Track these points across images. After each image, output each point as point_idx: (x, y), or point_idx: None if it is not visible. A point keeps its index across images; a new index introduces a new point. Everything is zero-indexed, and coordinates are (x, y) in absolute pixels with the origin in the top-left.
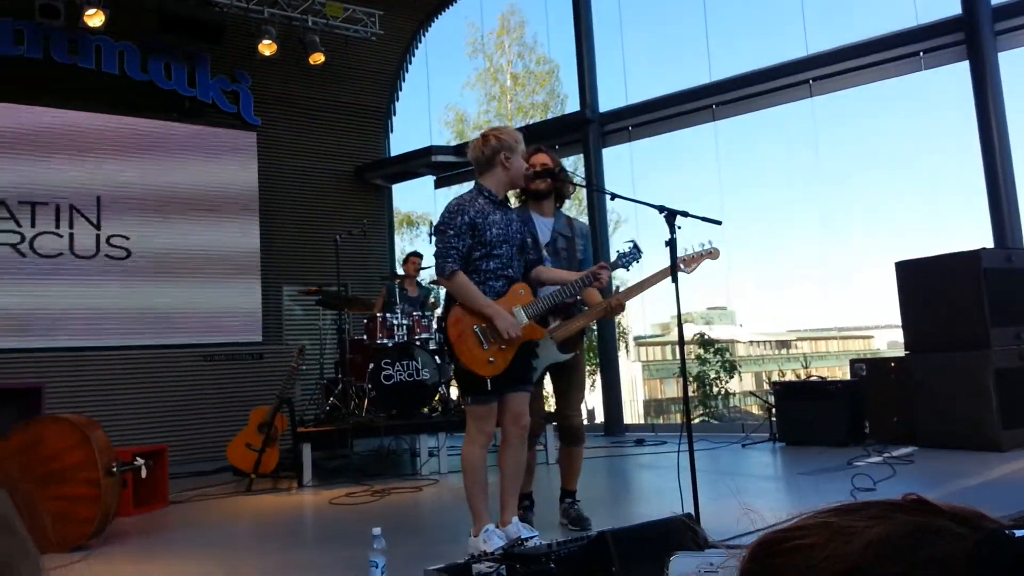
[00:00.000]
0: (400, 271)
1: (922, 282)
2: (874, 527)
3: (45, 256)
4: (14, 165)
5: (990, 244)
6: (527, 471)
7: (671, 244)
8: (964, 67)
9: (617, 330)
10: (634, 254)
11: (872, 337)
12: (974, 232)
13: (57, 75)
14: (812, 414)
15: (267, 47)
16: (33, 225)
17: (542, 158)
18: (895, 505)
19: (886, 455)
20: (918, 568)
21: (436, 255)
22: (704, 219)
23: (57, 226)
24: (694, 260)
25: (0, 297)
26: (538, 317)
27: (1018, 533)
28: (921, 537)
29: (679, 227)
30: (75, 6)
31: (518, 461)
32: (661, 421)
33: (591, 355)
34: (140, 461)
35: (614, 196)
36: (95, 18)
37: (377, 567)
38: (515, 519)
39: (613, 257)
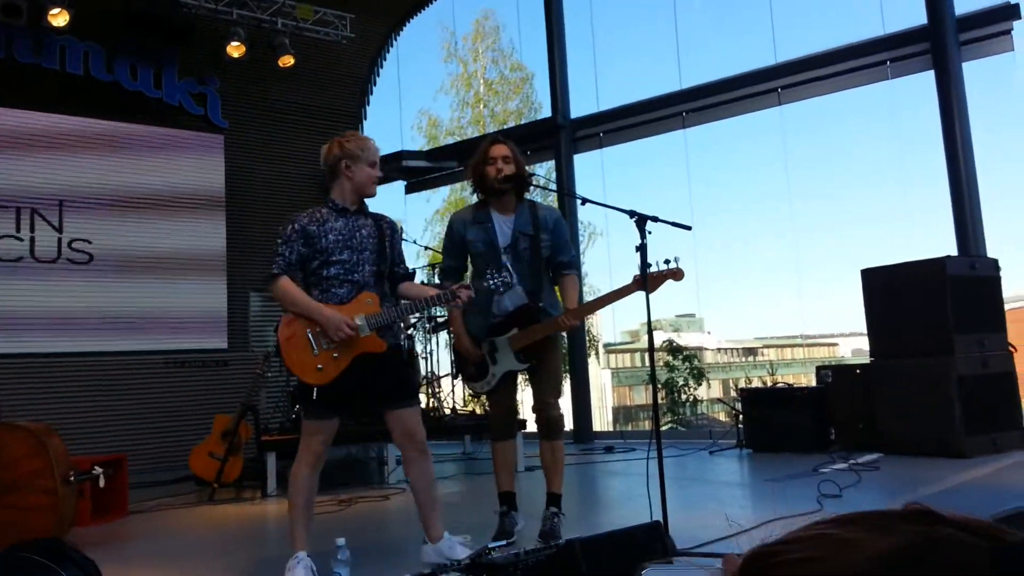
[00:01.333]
0: None
1: (887, 289)
2: (878, 539)
3: (4, 261)
4: None
5: (954, 252)
6: (503, 468)
7: (641, 249)
8: (929, 76)
9: (587, 337)
10: (503, 280)
11: (837, 344)
12: (939, 240)
13: (20, 75)
14: (778, 421)
15: (236, 49)
16: None
17: (501, 149)
18: (897, 515)
19: (851, 462)
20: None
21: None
22: (674, 224)
23: (17, 230)
24: (656, 280)
25: None
26: (384, 328)
27: None
28: (931, 547)
29: (650, 232)
30: (38, 5)
31: (427, 475)
32: (630, 428)
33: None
34: (98, 470)
35: (585, 201)
36: (59, 17)
37: None
38: (446, 534)
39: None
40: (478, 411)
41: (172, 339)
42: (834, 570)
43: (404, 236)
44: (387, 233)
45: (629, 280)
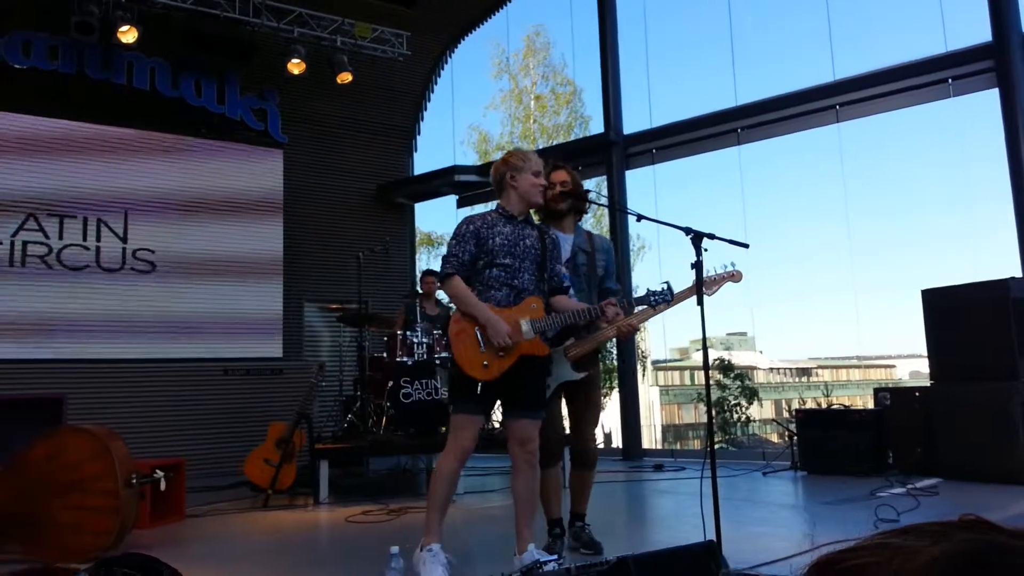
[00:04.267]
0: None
1: (948, 311)
2: (936, 545)
3: (71, 268)
4: (44, 177)
5: (1018, 273)
6: (554, 494)
7: (697, 267)
8: (994, 94)
9: (637, 353)
10: (665, 295)
11: (895, 366)
12: (1002, 261)
13: (90, 90)
14: (835, 443)
15: (296, 66)
16: (61, 237)
17: (561, 175)
18: (953, 524)
19: (909, 486)
20: None
21: (441, 263)
22: (731, 242)
23: (84, 239)
24: (716, 282)
25: (26, 307)
26: (546, 334)
27: None
28: (989, 554)
29: (705, 249)
30: (109, 23)
31: (530, 487)
32: (679, 446)
33: (607, 377)
34: (159, 474)
35: (640, 217)
36: (128, 35)
37: None
38: (531, 546)
39: (642, 293)
40: None
41: (229, 346)
42: (896, 573)
43: None
44: (549, 246)
45: (688, 286)
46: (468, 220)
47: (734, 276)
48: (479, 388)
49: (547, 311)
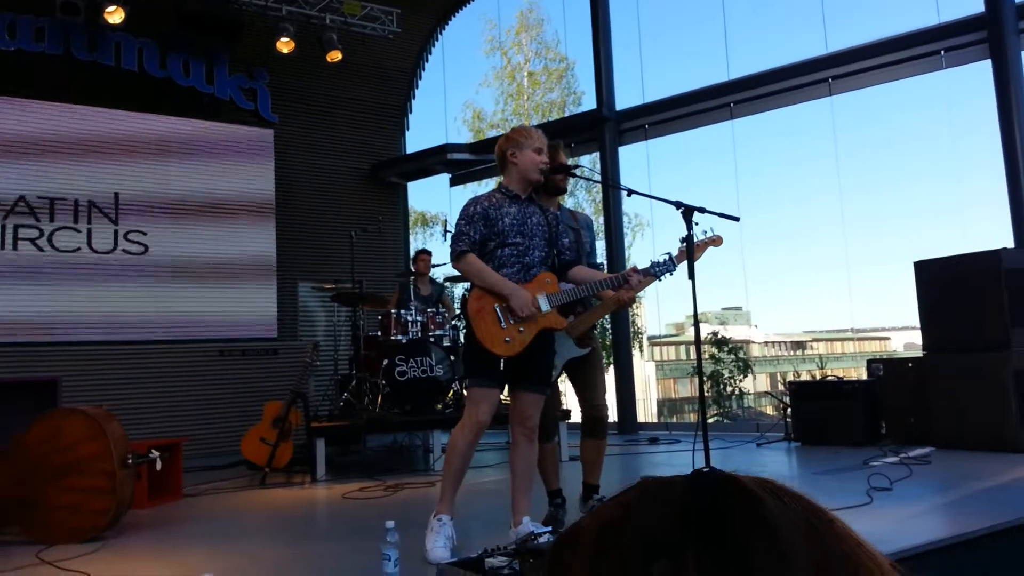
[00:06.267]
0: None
1: (941, 282)
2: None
3: (63, 251)
4: (34, 161)
5: (1011, 244)
6: (552, 467)
7: (688, 240)
8: (986, 66)
9: (632, 329)
10: (668, 266)
11: (889, 339)
12: (994, 233)
13: (77, 72)
14: (828, 414)
15: (285, 45)
16: (52, 220)
17: (563, 157)
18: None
19: (903, 455)
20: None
21: (451, 243)
22: (722, 215)
23: (75, 222)
24: (698, 248)
25: (19, 292)
26: (561, 308)
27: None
28: (640, 490)
29: (696, 223)
30: (95, 3)
31: (527, 461)
32: (675, 420)
33: (605, 354)
34: (155, 454)
35: (631, 192)
36: (115, 15)
37: (390, 559)
38: (526, 519)
39: (646, 265)
40: None
41: (224, 330)
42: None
43: (448, 228)
44: (553, 223)
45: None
46: (475, 201)
47: (715, 241)
48: (500, 363)
49: (560, 285)
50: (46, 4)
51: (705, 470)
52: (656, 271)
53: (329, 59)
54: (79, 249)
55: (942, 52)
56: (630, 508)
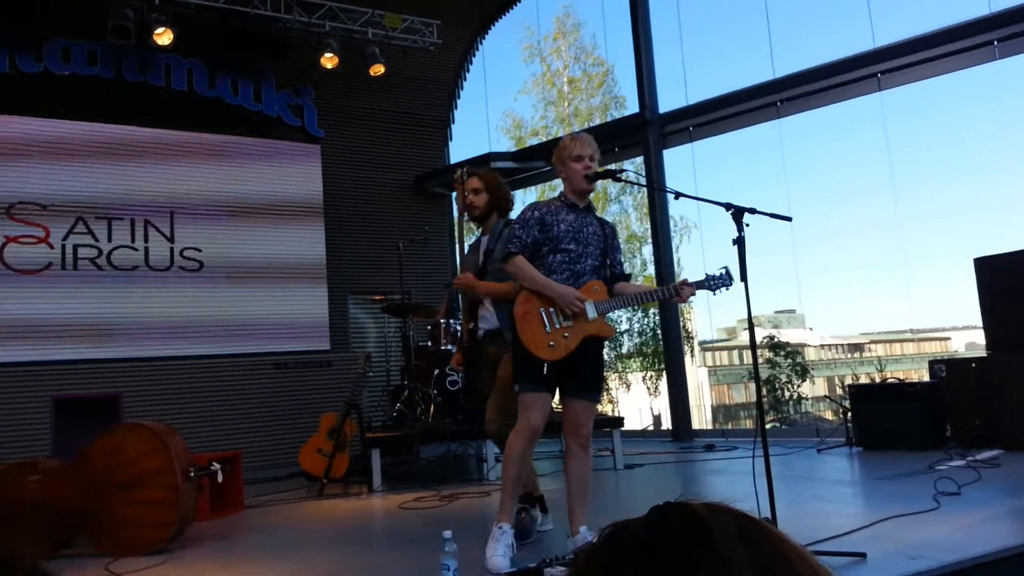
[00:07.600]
0: None
1: (1003, 279)
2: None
3: (122, 269)
4: (91, 182)
5: None
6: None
7: (739, 242)
8: None
9: (683, 335)
10: (725, 280)
11: (949, 339)
12: None
13: (129, 93)
14: (890, 417)
15: (329, 60)
16: (110, 240)
17: (473, 183)
18: None
19: (970, 458)
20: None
21: (503, 246)
22: (773, 215)
23: (133, 240)
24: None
25: (81, 309)
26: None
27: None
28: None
29: (747, 225)
30: (145, 26)
31: (582, 469)
32: (730, 427)
33: (656, 360)
34: (216, 466)
35: (679, 195)
36: (164, 36)
37: (449, 570)
38: (583, 528)
39: (700, 278)
40: None
41: (278, 342)
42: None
43: None
44: (609, 235)
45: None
46: (533, 206)
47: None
48: (545, 368)
49: (610, 295)
50: (98, 28)
51: (660, 504)
52: (712, 285)
53: (372, 73)
54: (137, 267)
55: (995, 42)
56: (591, 554)
